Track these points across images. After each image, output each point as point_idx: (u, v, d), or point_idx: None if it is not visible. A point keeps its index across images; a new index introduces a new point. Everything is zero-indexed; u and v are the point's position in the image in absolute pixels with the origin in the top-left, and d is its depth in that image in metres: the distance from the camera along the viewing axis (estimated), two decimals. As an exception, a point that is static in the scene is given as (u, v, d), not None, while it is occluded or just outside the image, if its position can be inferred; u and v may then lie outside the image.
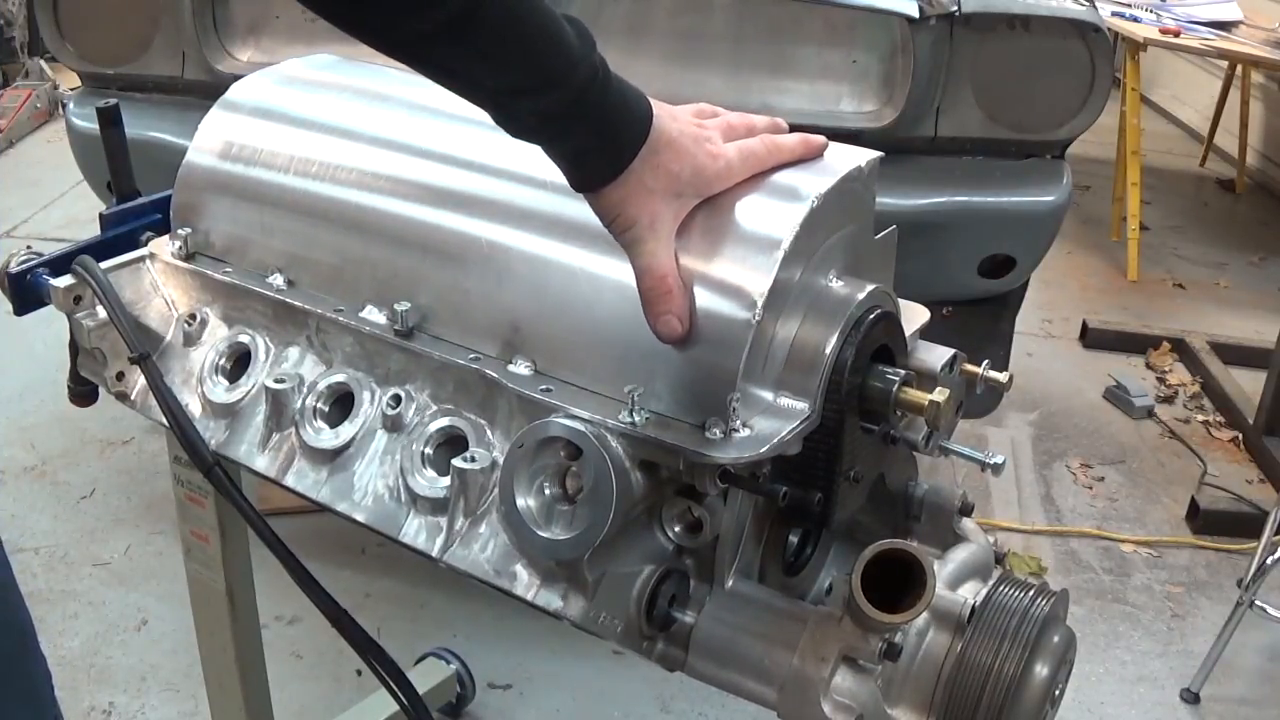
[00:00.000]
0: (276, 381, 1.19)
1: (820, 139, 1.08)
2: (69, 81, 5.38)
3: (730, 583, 1.07)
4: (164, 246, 1.34)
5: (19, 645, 1.12)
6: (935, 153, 2.34)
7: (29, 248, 1.35)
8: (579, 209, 1.09)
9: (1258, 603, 2.44)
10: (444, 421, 1.13)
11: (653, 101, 0.94)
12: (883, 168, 1.12)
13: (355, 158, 1.23)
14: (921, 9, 2.17)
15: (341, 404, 1.19)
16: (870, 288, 1.06)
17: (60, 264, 1.31)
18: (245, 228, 1.28)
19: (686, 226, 1.02)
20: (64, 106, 2.45)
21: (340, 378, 1.19)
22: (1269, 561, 2.43)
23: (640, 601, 1.03)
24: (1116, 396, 3.74)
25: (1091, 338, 4.13)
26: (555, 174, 1.06)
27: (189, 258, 1.31)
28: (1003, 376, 1.18)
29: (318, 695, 2.31)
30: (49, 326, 1.49)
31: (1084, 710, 2.46)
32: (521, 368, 1.08)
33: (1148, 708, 2.48)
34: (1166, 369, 3.98)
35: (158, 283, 1.34)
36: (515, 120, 0.91)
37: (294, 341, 1.24)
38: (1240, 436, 3.55)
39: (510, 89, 0.88)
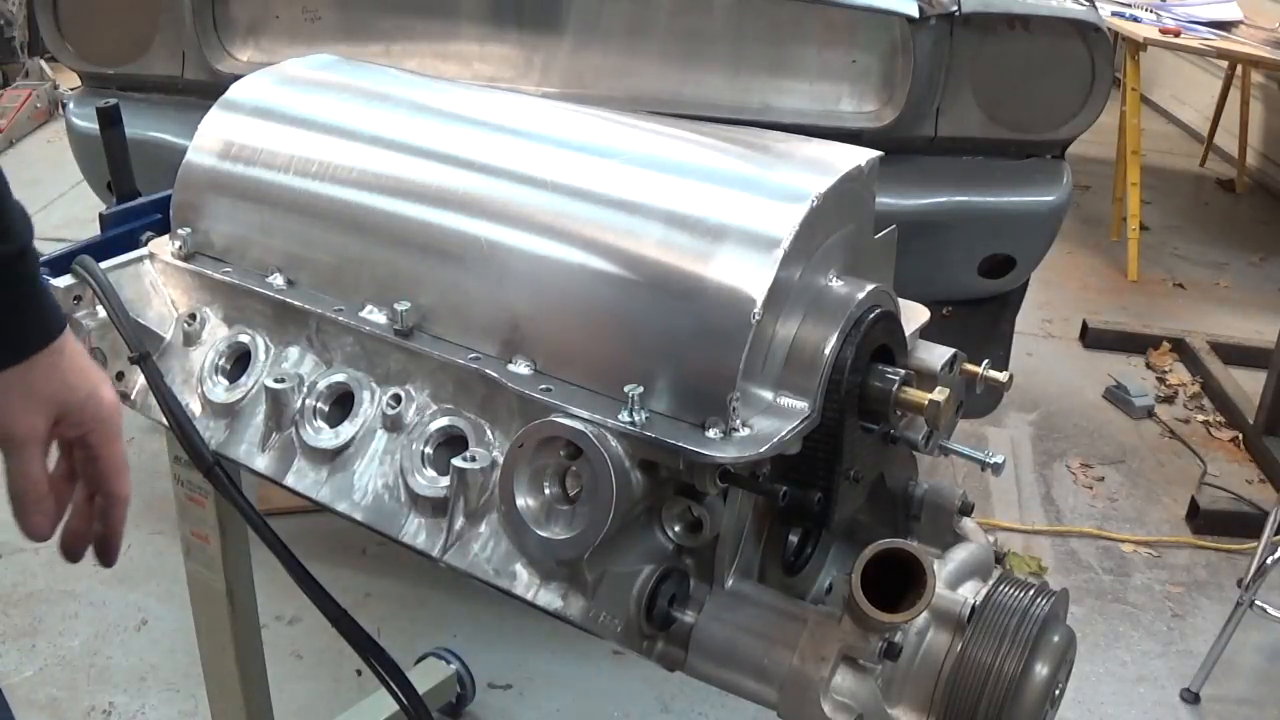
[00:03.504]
0: (276, 381, 1.19)
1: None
2: (69, 81, 5.39)
3: (730, 582, 1.07)
4: (164, 246, 1.34)
5: None
6: (935, 153, 2.34)
7: (29, 247, 1.35)
8: (580, 209, 1.09)
9: (1258, 603, 2.44)
10: (444, 421, 1.13)
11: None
12: (883, 168, 1.12)
13: (355, 158, 1.23)
14: (921, 9, 2.17)
15: (341, 404, 1.19)
16: (870, 287, 1.06)
17: (60, 264, 1.31)
18: (245, 227, 1.28)
19: (685, 223, 1.02)
20: (64, 106, 2.44)
21: (340, 377, 1.19)
22: (1269, 561, 2.42)
23: (640, 601, 1.02)
24: (1116, 396, 3.73)
25: (1091, 338, 4.13)
26: (555, 174, 1.06)
27: (189, 258, 1.31)
28: (1003, 376, 1.18)
29: (318, 695, 2.30)
30: (49, 326, 1.49)
31: (1084, 710, 2.45)
32: (521, 367, 1.08)
33: (1148, 708, 2.48)
34: (1166, 369, 3.98)
35: (158, 283, 1.34)
36: None
37: (294, 341, 1.24)
38: (1240, 436, 3.55)
39: None
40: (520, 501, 1.00)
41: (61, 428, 0.91)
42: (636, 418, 0.98)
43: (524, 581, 1.05)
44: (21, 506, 0.90)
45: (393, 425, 1.15)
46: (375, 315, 1.17)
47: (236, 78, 1.39)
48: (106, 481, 0.94)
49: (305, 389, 1.20)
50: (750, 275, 0.98)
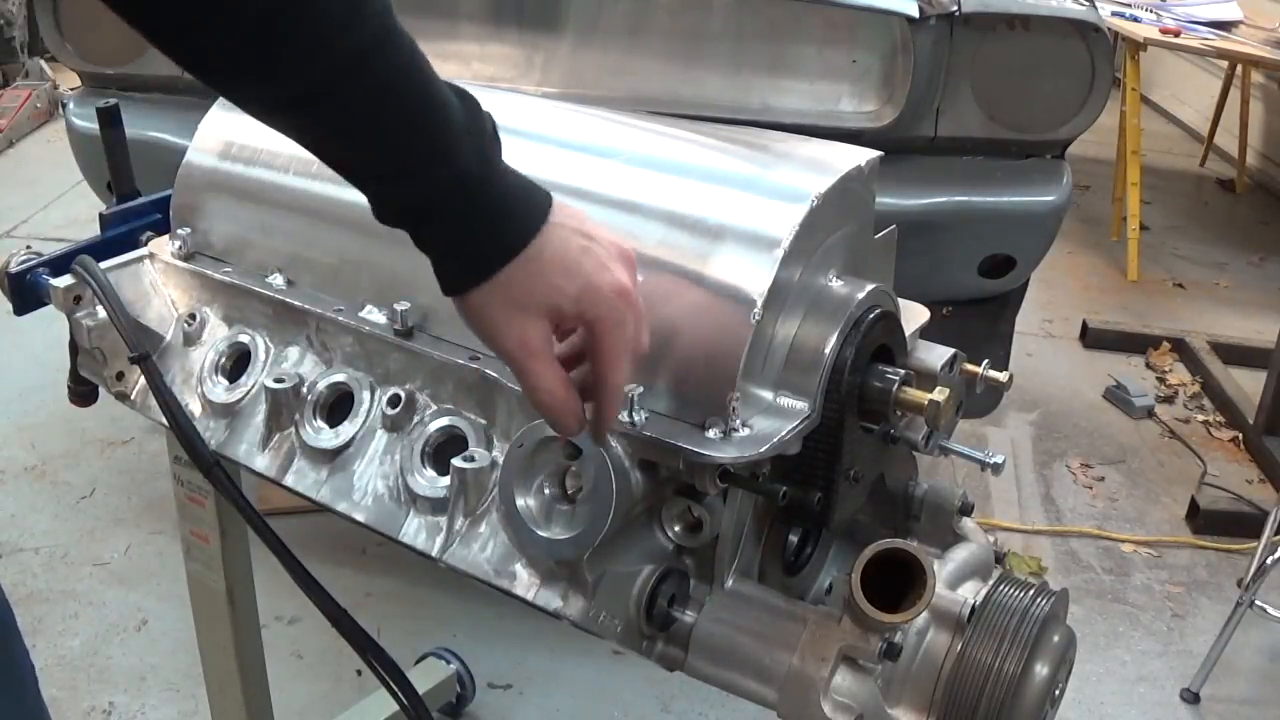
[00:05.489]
0: (276, 381, 1.19)
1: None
2: (69, 81, 5.37)
3: (730, 582, 1.07)
4: (164, 246, 1.34)
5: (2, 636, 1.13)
6: (935, 153, 2.34)
7: (29, 248, 1.35)
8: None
9: (1258, 603, 2.44)
10: (444, 421, 1.13)
11: (557, 204, 0.84)
12: (883, 168, 1.12)
13: (355, 157, 1.22)
14: (921, 9, 2.17)
15: (341, 404, 1.19)
16: (870, 287, 1.06)
17: (60, 264, 1.31)
18: (245, 227, 1.29)
19: (684, 223, 1.02)
20: (64, 106, 2.44)
21: (340, 377, 1.19)
22: (1269, 561, 2.42)
23: (640, 601, 1.02)
24: (1116, 396, 3.73)
25: (1091, 338, 4.13)
26: (554, 173, 1.05)
27: (189, 258, 1.31)
28: (1003, 376, 1.18)
29: (318, 695, 2.31)
30: (49, 326, 1.50)
31: (1084, 710, 2.45)
32: (521, 367, 1.08)
33: (1148, 708, 2.48)
34: (1166, 369, 3.98)
35: (158, 283, 1.34)
36: (378, 206, 0.82)
37: (294, 341, 1.24)
38: (1240, 436, 3.55)
39: (370, 173, 0.81)
40: (520, 501, 1.00)
41: (561, 327, 0.86)
42: (636, 418, 0.98)
43: (524, 581, 1.05)
44: (547, 417, 0.88)
45: (393, 425, 1.15)
46: (375, 315, 1.17)
47: (236, 78, 1.39)
48: (601, 366, 0.87)
49: (305, 389, 1.20)
50: (750, 275, 0.98)
